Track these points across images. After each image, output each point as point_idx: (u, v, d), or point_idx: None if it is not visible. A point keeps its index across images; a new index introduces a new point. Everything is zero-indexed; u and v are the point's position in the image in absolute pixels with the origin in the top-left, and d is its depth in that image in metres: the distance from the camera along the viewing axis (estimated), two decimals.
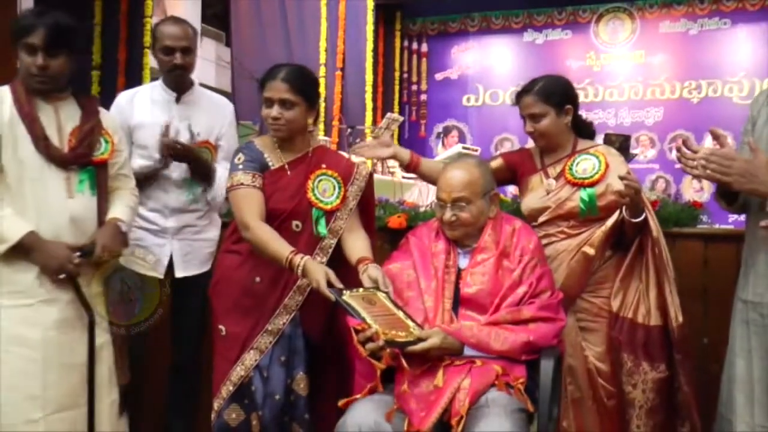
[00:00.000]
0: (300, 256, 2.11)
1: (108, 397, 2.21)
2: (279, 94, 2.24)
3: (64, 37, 2.10)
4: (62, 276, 2.08)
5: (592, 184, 2.34)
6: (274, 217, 2.24)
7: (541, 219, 2.43)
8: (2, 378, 2.04)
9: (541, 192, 2.46)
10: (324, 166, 2.34)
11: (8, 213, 2.08)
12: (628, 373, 2.27)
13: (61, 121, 2.18)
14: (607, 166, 2.35)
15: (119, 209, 2.26)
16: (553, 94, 2.41)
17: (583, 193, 2.35)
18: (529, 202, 2.49)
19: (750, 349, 1.94)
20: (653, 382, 2.26)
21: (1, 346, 2.05)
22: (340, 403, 1.98)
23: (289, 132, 2.29)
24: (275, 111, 2.25)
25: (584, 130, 2.52)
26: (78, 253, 2.11)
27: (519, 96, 2.46)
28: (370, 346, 1.91)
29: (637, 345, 2.27)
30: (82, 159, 2.18)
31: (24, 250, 2.07)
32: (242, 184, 2.24)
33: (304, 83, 2.28)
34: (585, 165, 2.39)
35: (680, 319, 2.26)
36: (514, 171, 2.58)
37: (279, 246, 2.15)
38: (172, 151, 2.55)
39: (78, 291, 2.12)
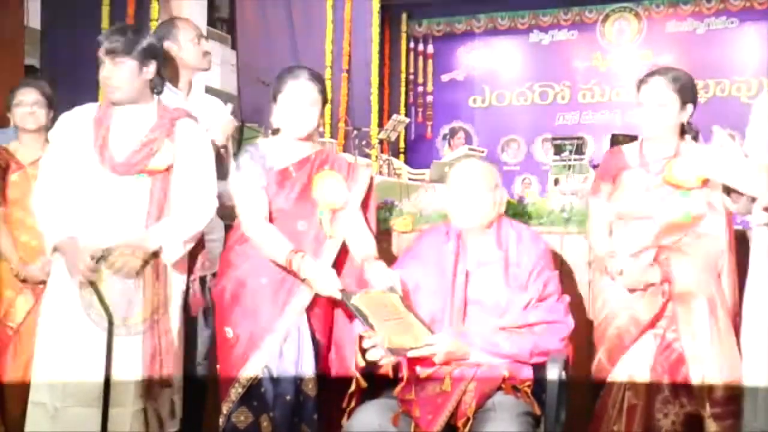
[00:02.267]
0: (300, 254, 2.13)
1: (133, 405, 2.21)
2: (310, 95, 2.29)
3: (123, 48, 2.21)
4: (81, 279, 2.14)
5: (690, 189, 2.28)
6: (279, 217, 2.26)
7: (630, 217, 2.35)
8: (38, 361, 2.24)
9: (636, 189, 2.37)
10: (327, 167, 2.36)
11: (58, 217, 2.20)
12: (663, 401, 2.22)
13: (132, 131, 2.26)
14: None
15: (164, 224, 2.26)
16: (683, 87, 2.32)
17: (680, 196, 2.28)
18: (621, 198, 2.40)
19: None
20: (685, 415, 2.20)
21: (43, 332, 2.24)
22: (345, 404, 1.98)
23: (311, 131, 2.34)
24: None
25: (691, 134, 2.41)
26: (99, 255, 2.15)
27: (648, 77, 2.35)
28: (372, 354, 1.91)
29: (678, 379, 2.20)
30: (135, 167, 2.23)
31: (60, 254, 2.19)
32: (246, 183, 2.26)
33: (324, 84, 2.36)
34: (686, 168, 2.30)
35: (720, 387, 2.12)
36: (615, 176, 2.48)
37: (279, 244, 2.17)
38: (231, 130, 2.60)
39: (98, 294, 2.16)
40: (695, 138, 2.42)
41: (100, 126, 2.25)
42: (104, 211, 2.21)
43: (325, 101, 2.36)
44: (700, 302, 2.17)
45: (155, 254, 2.23)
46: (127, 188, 2.23)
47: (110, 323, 2.15)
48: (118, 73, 2.22)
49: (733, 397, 2.12)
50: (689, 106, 2.35)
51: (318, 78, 2.34)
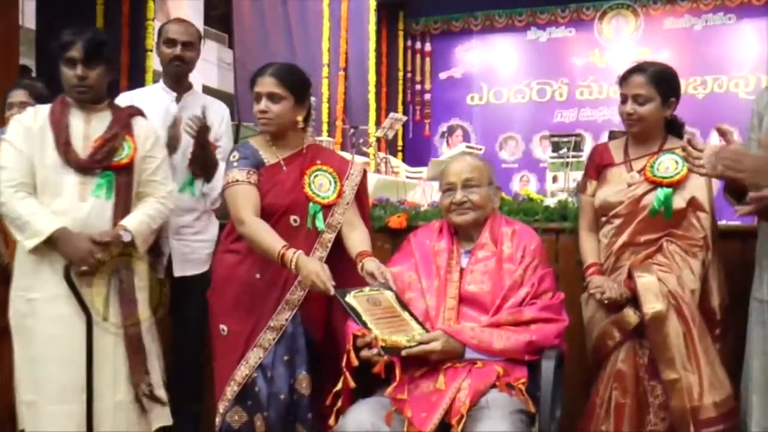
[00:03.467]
0: (292, 250, 2.12)
1: (112, 396, 2.25)
2: (267, 88, 2.28)
3: (101, 49, 2.30)
4: (84, 268, 2.19)
5: (670, 185, 2.26)
6: (271, 213, 2.25)
7: (611, 214, 2.35)
8: (16, 362, 2.27)
9: (619, 185, 2.36)
10: (319, 162, 2.36)
11: (44, 210, 2.23)
12: (661, 406, 2.19)
13: (90, 129, 2.32)
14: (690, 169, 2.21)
15: (132, 217, 2.32)
16: (665, 82, 2.30)
17: (660, 192, 2.26)
18: (603, 195, 2.38)
19: (766, 350, 1.90)
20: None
21: (15, 335, 2.27)
22: (329, 401, 1.97)
23: (277, 126, 2.31)
24: (263, 104, 2.28)
25: (676, 128, 2.41)
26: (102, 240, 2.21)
27: (628, 74, 2.33)
28: (365, 353, 1.90)
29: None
30: (99, 164, 2.29)
31: (53, 243, 2.20)
32: (237, 180, 2.26)
33: (292, 79, 2.31)
34: (667, 164, 2.29)
35: (707, 408, 2.09)
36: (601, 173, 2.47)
37: (272, 241, 2.16)
38: (197, 126, 2.56)
39: (74, 290, 2.21)
40: (680, 132, 2.41)
41: (59, 126, 2.29)
42: (71, 210, 2.25)
43: (296, 95, 2.31)
44: (672, 326, 2.15)
45: (126, 248, 2.28)
46: (92, 185, 2.28)
47: (88, 319, 2.21)
48: (94, 75, 2.30)
49: (723, 414, 2.10)
50: (672, 101, 2.34)
51: (284, 72, 2.30)
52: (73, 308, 2.22)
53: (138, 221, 2.32)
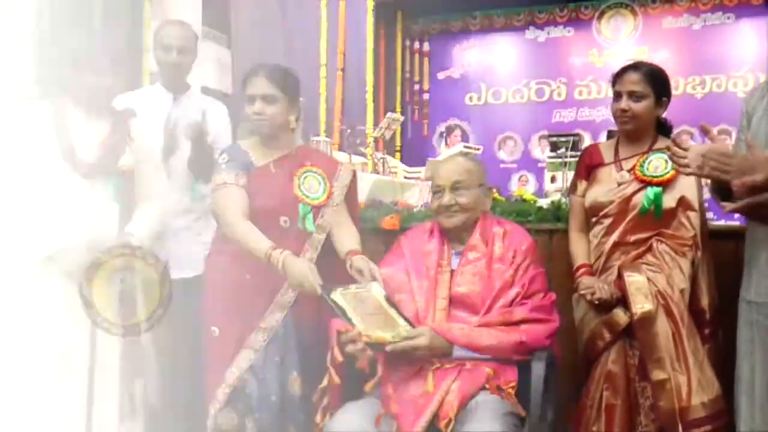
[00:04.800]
0: (279, 251, 2.12)
1: (110, 401, 2.24)
2: (261, 89, 2.27)
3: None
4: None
5: (660, 184, 2.27)
6: (261, 214, 2.26)
7: (601, 214, 2.35)
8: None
9: (610, 185, 2.37)
10: (309, 163, 2.36)
11: (42, 225, 2.19)
12: (651, 407, 2.18)
13: (89, 131, 2.30)
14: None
15: (137, 222, 2.32)
16: (658, 81, 2.32)
17: (650, 191, 2.27)
18: (593, 194, 2.39)
19: (753, 351, 1.90)
20: None
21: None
22: (315, 398, 1.98)
23: (271, 127, 2.31)
24: (257, 106, 2.27)
25: (666, 130, 2.43)
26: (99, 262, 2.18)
27: (623, 71, 2.35)
28: (349, 348, 1.90)
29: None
30: (105, 169, 2.28)
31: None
32: (225, 182, 2.27)
33: (285, 79, 2.32)
34: (657, 163, 2.30)
35: (695, 408, 2.10)
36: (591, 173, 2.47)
37: (259, 242, 2.16)
38: (196, 131, 2.58)
39: (81, 294, 2.16)
40: (669, 134, 2.41)
41: (60, 128, 2.24)
42: (80, 216, 2.22)
43: (289, 96, 2.32)
44: (661, 326, 2.14)
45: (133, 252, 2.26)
46: (99, 191, 2.26)
47: (93, 323, 2.16)
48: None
49: (711, 415, 2.10)
50: (664, 100, 2.35)
51: (277, 73, 2.30)
52: (75, 312, 2.19)
53: (144, 226, 2.32)
